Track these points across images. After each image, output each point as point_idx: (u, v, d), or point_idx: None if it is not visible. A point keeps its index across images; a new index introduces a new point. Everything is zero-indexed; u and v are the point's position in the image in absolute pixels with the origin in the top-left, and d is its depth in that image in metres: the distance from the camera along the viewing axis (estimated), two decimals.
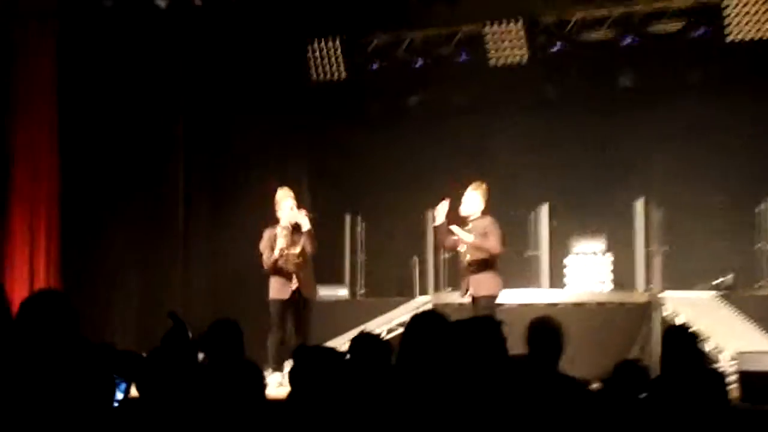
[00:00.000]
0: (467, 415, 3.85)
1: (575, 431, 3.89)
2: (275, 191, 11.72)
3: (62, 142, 12.76)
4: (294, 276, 11.07)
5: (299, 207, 11.24)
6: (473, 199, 10.90)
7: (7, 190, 12.60)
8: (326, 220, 15.07)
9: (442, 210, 10.84)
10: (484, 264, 10.59)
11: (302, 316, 11.19)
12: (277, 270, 11.06)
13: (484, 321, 4.22)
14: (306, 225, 11.10)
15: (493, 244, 10.55)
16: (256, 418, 4.17)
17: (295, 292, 11.09)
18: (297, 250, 11.05)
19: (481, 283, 10.60)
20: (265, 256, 11.08)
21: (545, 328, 4.66)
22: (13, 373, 3.11)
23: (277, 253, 10.97)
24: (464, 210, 10.89)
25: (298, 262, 11.07)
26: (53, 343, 3.70)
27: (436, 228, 11.22)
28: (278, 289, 11.06)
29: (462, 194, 10.99)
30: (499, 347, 4.15)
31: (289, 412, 4.21)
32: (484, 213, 10.86)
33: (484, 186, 10.99)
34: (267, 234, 11.15)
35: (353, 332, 11.55)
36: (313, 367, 4.26)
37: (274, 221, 11.13)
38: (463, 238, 10.69)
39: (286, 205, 11.19)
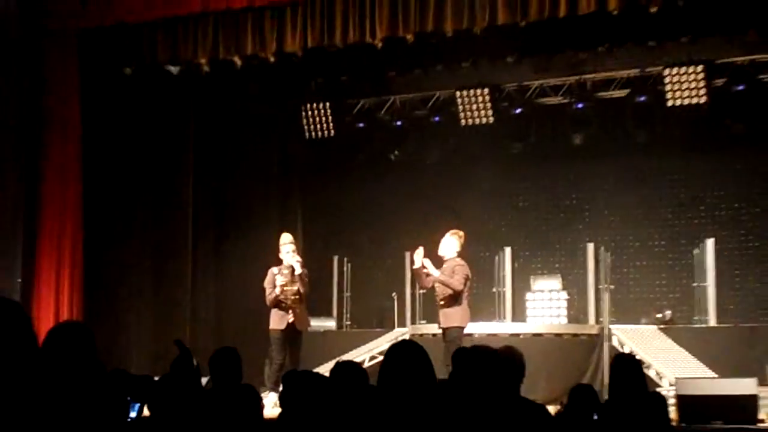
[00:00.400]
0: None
1: None
2: (277, 234, 11.78)
3: (85, 184, 12.74)
4: (291, 310, 11.12)
5: (297, 252, 11.37)
6: (449, 243, 10.95)
7: (35, 234, 12.55)
8: (316, 261, 15.09)
9: (417, 256, 10.91)
10: (452, 299, 10.63)
11: (294, 345, 11.22)
12: (277, 304, 11.11)
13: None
14: (297, 270, 11.19)
15: (456, 282, 10.61)
16: None
17: (291, 324, 11.12)
18: (295, 288, 11.12)
19: (449, 316, 10.64)
20: (267, 292, 11.18)
21: (508, 357, 4.62)
22: (38, 394, 3.07)
23: (277, 290, 11.03)
24: (441, 251, 10.94)
25: (295, 299, 11.14)
26: (74, 369, 3.67)
27: (414, 270, 11.33)
28: (277, 321, 11.14)
29: (441, 238, 11.06)
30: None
31: (280, 430, 4.19)
32: (459, 255, 10.89)
33: (460, 233, 11.05)
34: (270, 273, 11.25)
35: (342, 358, 11.53)
36: (299, 389, 4.25)
37: (278, 262, 11.20)
38: (432, 273, 10.78)
39: (288, 248, 11.26)
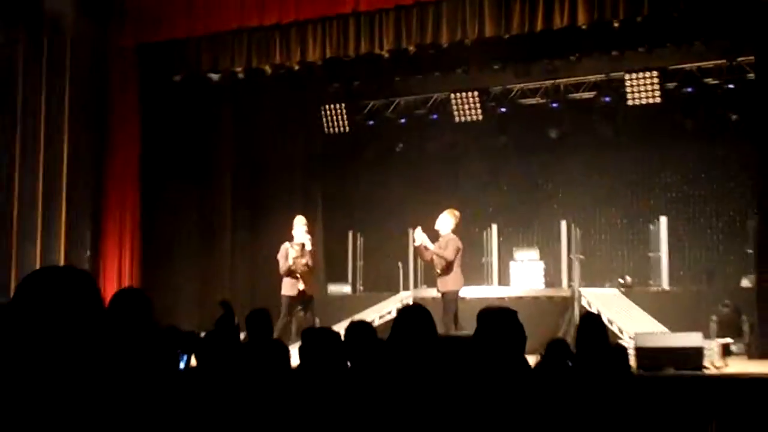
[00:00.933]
0: (442, 383, 3.80)
1: (527, 396, 3.83)
2: (300, 214, 11.82)
3: (143, 170, 12.79)
4: (301, 279, 11.15)
5: (308, 232, 11.44)
6: (445, 220, 10.92)
7: (101, 213, 12.60)
8: (335, 236, 15.11)
9: (417, 234, 10.93)
10: (447, 268, 10.61)
11: (308, 307, 11.27)
12: (289, 273, 11.13)
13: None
14: (308, 246, 11.33)
15: (448, 254, 10.60)
16: (281, 384, 4.14)
17: (302, 291, 11.17)
18: (305, 260, 11.16)
19: (445, 282, 10.63)
20: (281, 263, 11.23)
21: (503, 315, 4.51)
22: (105, 350, 3.08)
23: (291, 261, 11.07)
24: (438, 226, 10.93)
25: (305, 269, 11.17)
26: (134, 327, 3.68)
27: (415, 247, 11.35)
28: (289, 288, 11.19)
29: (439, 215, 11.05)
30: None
31: (298, 379, 4.18)
32: (453, 232, 10.87)
33: (456, 212, 11.03)
34: (283, 247, 11.31)
35: (357, 316, 11.56)
36: (317, 344, 4.25)
37: (290, 238, 11.26)
38: (428, 246, 10.77)
39: (300, 229, 11.34)
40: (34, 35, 12.10)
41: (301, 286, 11.22)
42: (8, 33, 11.96)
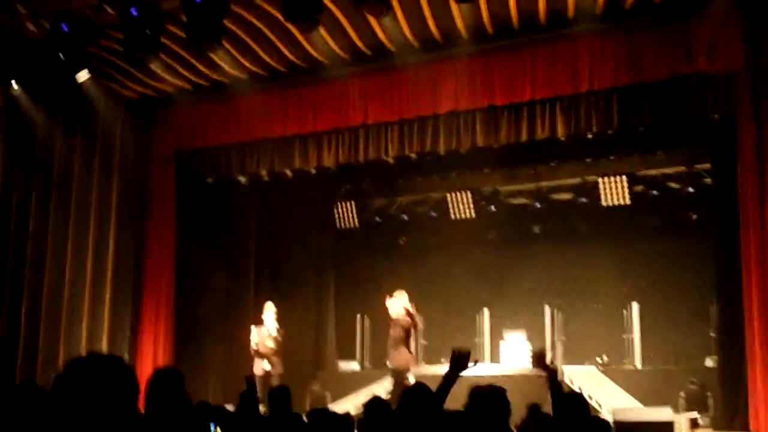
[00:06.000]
0: None
1: None
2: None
3: (177, 260, 12.85)
4: (267, 359, 11.46)
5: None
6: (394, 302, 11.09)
7: (140, 300, 12.61)
8: (344, 319, 15.09)
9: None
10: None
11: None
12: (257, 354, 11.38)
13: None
14: (273, 332, 11.76)
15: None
16: None
17: (267, 372, 11.51)
18: (272, 344, 11.53)
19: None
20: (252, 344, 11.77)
21: (492, 392, 4.50)
22: (141, 420, 3.09)
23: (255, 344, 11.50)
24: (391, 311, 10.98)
25: (272, 351, 11.49)
26: (170, 403, 3.68)
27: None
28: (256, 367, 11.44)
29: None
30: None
31: None
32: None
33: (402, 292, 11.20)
34: (252, 329, 11.93)
35: (361, 391, 11.48)
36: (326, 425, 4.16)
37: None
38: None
39: (269, 314, 11.85)
40: (89, 143, 12.35)
41: (267, 366, 11.18)
42: (68, 142, 12.24)
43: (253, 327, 11.33)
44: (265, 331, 11.25)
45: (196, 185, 13.15)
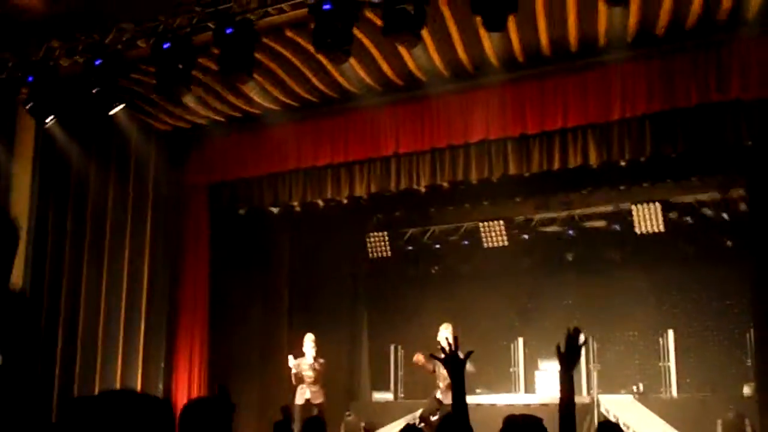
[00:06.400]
0: None
1: None
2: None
3: (211, 295, 12.88)
4: (308, 388, 11.55)
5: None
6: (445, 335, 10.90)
7: (175, 330, 12.63)
8: (378, 349, 15.04)
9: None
10: None
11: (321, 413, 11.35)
12: (298, 381, 11.45)
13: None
14: (310, 360, 11.79)
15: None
16: None
17: (308, 400, 11.64)
18: (312, 372, 11.68)
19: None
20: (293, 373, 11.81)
21: (527, 421, 4.43)
22: None
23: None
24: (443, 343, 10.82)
25: (312, 379, 11.63)
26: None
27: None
28: (298, 396, 11.61)
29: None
30: None
31: None
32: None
33: (449, 325, 11.03)
34: (290, 359, 12.00)
35: (395, 423, 11.40)
36: None
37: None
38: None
39: (309, 345, 11.89)
40: (122, 176, 12.45)
41: (308, 395, 11.21)
42: (102, 176, 12.34)
43: (290, 356, 11.36)
44: (305, 361, 11.29)
45: (228, 216, 13.21)
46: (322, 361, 11.76)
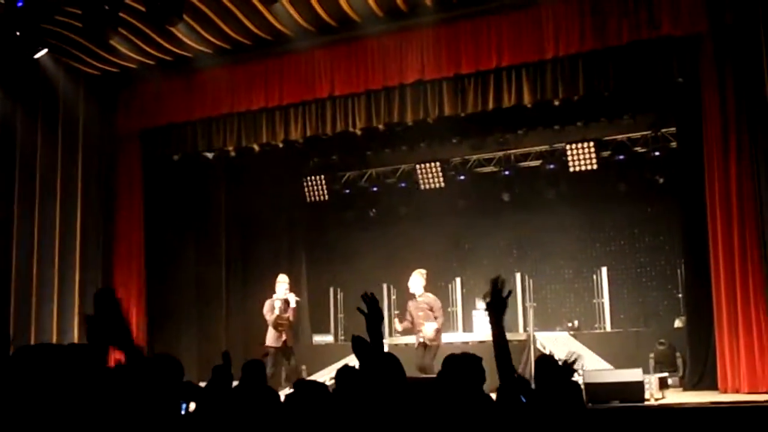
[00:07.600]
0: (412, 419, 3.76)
1: (491, 426, 3.80)
2: (287, 273, 11.81)
3: (147, 239, 12.75)
4: (283, 332, 11.08)
5: (291, 290, 11.44)
6: (417, 281, 10.87)
7: (111, 279, 12.46)
8: (318, 293, 15.06)
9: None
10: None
11: (290, 356, 11.31)
12: (274, 326, 11.08)
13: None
14: (293, 303, 11.33)
15: (440, 321, 10.64)
16: (270, 425, 4.07)
17: (285, 342, 11.12)
18: (287, 315, 11.14)
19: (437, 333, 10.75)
20: (267, 317, 11.22)
21: (465, 359, 4.48)
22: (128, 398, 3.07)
23: (276, 314, 11.12)
24: (412, 288, 10.87)
25: (286, 324, 11.12)
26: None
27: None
28: (274, 339, 11.12)
29: (409, 273, 11.01)
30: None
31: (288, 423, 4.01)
32: (426, 290, 10.86)
33: (423, 271, 11.01)
34: (268, 302, 11.38)
35: (336, 365, 11.44)
36: (306, 396, 4.06)
37: (272, 294, 11.31)
38: (429, 335, 10.62)
39: (282, 287, 11.44)
40: (51, 123, 12.10)
41: (284, 337, 11.16)
42: (30, 122, 11.97)
43: (270, 300, 11.29)
44: (279, 303, 11.22)
45: (162, 163, 13.00)
46: (298, 299, 11.80)
